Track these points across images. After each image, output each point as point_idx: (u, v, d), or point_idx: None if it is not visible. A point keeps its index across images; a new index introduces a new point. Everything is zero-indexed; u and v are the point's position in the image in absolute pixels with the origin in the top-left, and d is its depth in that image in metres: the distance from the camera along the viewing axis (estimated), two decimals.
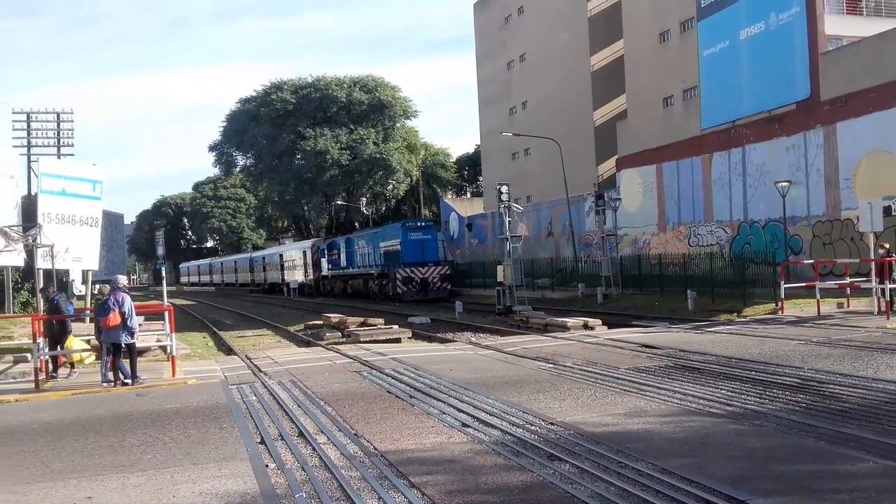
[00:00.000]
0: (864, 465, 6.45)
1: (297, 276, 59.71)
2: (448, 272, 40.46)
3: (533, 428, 8.39)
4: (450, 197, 76.80)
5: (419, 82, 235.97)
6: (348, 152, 64.07)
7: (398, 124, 69.37)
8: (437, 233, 43.48)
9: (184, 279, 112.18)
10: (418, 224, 43.09)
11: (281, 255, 66.28)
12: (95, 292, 19.35)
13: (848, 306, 21.05)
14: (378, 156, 64.27)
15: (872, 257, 19.64)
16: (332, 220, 74.29)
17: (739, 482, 6.08)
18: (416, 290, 38.26)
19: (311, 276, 56.39)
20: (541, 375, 12.22)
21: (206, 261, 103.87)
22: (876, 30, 28.81)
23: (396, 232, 41.41)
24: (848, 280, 21.38)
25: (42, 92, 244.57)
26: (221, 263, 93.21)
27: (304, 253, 58.15)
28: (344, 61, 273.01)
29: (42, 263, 18.36)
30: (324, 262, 52.55)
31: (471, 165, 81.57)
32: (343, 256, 49.35)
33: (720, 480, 6.13)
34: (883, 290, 18.68)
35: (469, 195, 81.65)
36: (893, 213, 25.51)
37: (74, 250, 19.15)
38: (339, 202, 70.29)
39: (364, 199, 70.32)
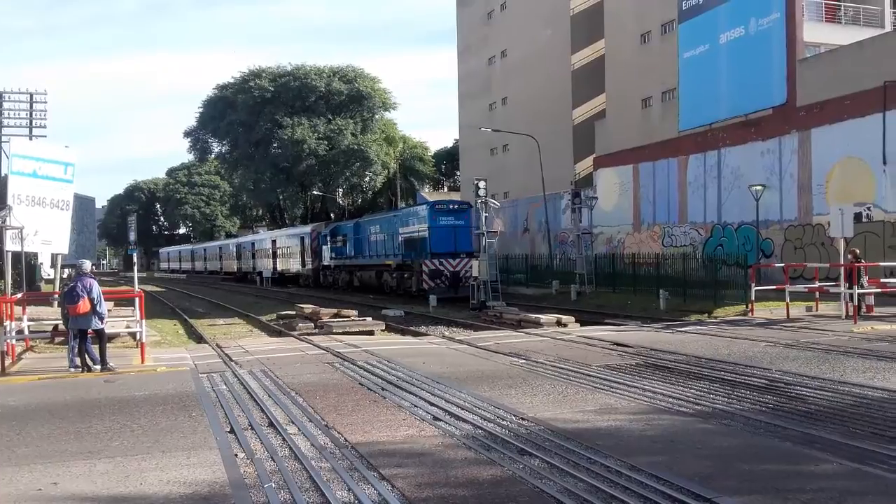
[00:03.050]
0: (829, 466, 6.55)
1: (292, 265, 54.29)
2: None
3: (504, 423, 8.42)
4: (427, 191, 76.76)
5: (399, 74, 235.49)
6: (326, 142, 63.78)
7: (377, 116, 69.22)
8: (472, 217, 35.99)
9: (164, 265, 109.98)
10: (450, 206, 35.33)
11: (273, 242, 59.82)
12: (64, 276, 19.11)
13: (817, 310, 21.34)
14: (356, 147, 64.04)
15: (842, 263, 19.93)
16: (307, 211, 73.93)
17: (707, 480, 6.15)
18: (446, 285, 32.08)
19: (309, 266, 50.66)
20: (513, 371, 12.25)
21: (188, 246, 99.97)
22: (854, 38, 29.21)
23: (423, 215, 34.74)
24: (817, 284, 21.68)
25: (15, 70, 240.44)
26: (204, 249, 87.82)
27: (302, 239, 52.15)
28: (324, 51, 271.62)
29: (11, 246, 18.08)
30: (325, 249, 46.62)
31: (449, 160, 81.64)
32: (350, 244, 43.14)
33: (688, 478, 6.19)
34: (851, 295, 18.95)
35: (446, 189, 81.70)
36: (864, 220, 25.93)
37: (44, 233, 18.86)
38: (315, 192, 69.97)
39: (340, 190, 70.07)
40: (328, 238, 46.07)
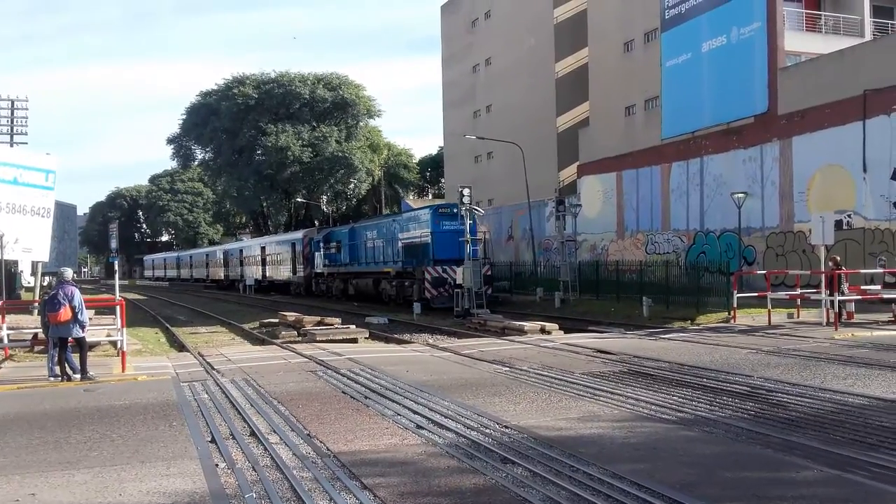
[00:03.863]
0: (810, 473, 6.58)
1: (283, 272, 52.22)
2: (489, 273, 31.69)
3: (487, 431, 8.41)
4: (411, 198, 76.76)
5: (384, 82, 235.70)
6: (310, 150, 63.70)
7: (361, 123, 69.23)
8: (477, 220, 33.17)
9: (148, 273, 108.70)
10: (454, 210, 31.53)
11: (262, 248, 57.64)
12: (45, 284, 18.93)
13: (798, 317, 21.50)
14: (340, 154, 63.98)
15: (823, 270, 20.09)
16: (291, 218, 73.71)
17: (688, 488, 6.16)
18: (450, 294, 29.54)
19: (300, 273, 48.45)
20: (497, 379, 12.25)
21: (173, 254, 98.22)
22: (834, 47, 29.51)
23: (425, 220, 32.56)
24: (799, 291, 21.83)
25: None
26: (190, 257, 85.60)
27: (293, 245, 49.88)
28: (308, 58, 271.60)
29: None
30: (318, 256, 44.52)
31: (433, 167, 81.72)
32: (345, 250, 41.06)
33: (670, 486, 6.20)
34: (832, 302, 19.11)
35: (431, 196, 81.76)
36: (844, 228, 26.17)
37: (24, 241, 18.73)
38: (299, 199, 69.77)
39: (325, 197, 69.94)
40: (321, 244, 44.12)
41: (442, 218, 31.95)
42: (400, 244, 34.39)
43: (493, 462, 7.11)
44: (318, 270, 44.90)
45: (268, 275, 55.92)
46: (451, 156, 62.02)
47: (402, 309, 30.39)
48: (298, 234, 50.75)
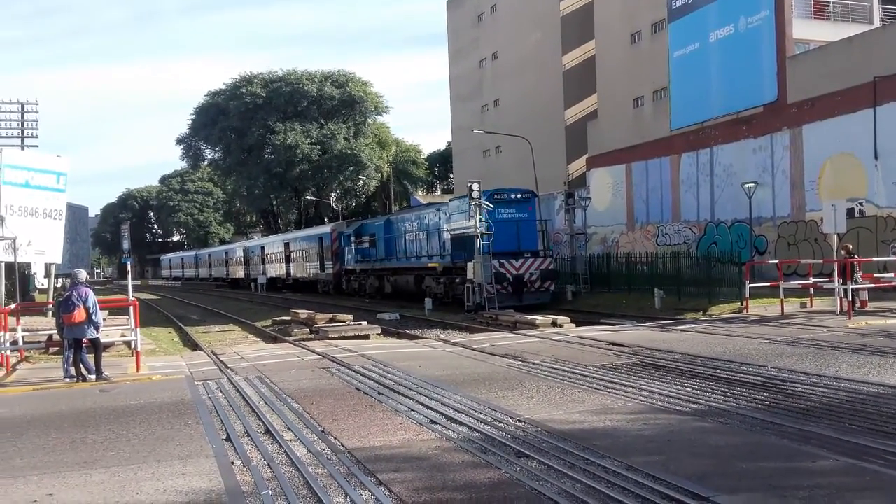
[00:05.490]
0: (826, 463, 6.56)
1: (309, 269, 49.36)
2: (551, 267, 28.95)
3: (501, 425, 8.41)
4: (421, 193, 76.73)
5: (391, 78, 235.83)
6: (318, 147, 63.76)
7: (369, 120, 69.23)
8: (537, 208, 30.28)
9: (165, 272, 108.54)
10: (511, 196, 28.88)
11: (286, 245, 54.47)
12: (58, 286, 19.03)
13: (811, 306, 21.40)
14: (349, 151, 64.02)
15: (835, 258, 19.97)
16: (301, 215, 73.85)
17: (703, 479, 6.15)
18: (508, 291, 26.97)
19: (329, 270, 45.06)
20: (509, 373, 12.25)
21: (191, 252, 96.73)
22: (842, 35, 29.30)
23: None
24: (811, 280, 21.71)
25: (5, 80, 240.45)
26: (209, 255, 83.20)
27: (321, 240, 46.52)
28: (316, 56, 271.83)
29: (4, 256, 18.04)
30: (348, 251, 41.56)
31: (442, 162, 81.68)
32: (380, 244, 37.60)
33: (685, 477, 6.19)
34: (845, 291, 19.00)
35: (440, 192, 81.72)
36: (856, 215, 26.00)
37: (37, 243, 18.84)
38: (308, 197, 69.90)
39: (334, 194, 70.03)
40: (352, 238, 40.94)
41: (499, 206, 28.45)
42: (446, 235, 30.87)
43: (507, 456, 7.12)
44: (349, 267, 42.05)
45: (292, 272, 53.43)
46: (459, 151, 61.93)
47: (449, 309, 28.68)
48: (326, 229, 47.60)
